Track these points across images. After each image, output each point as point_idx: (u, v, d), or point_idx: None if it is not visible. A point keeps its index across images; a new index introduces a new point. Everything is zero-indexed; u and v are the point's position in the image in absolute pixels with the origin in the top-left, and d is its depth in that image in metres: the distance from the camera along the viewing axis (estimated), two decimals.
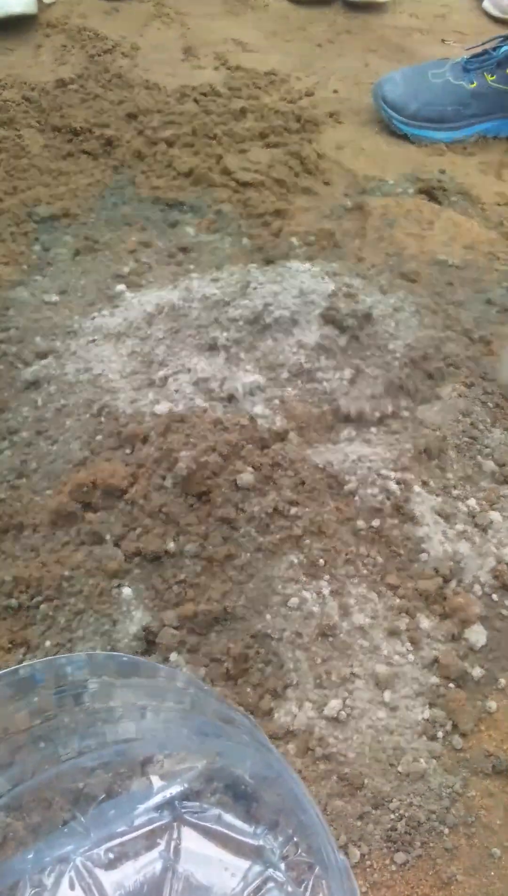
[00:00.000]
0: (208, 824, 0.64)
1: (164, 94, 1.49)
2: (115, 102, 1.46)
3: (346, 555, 0.76)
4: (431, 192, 1.33)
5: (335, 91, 1.53)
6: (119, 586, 0.75)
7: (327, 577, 0.75)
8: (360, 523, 0.80)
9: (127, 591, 0.74)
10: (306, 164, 1.36)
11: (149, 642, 0.73)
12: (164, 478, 0.80)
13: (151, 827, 0.64)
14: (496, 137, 1.43)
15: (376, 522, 0.80)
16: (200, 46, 1.65)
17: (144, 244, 1.19)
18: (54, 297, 1.09)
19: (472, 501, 0.86)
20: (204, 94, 1.48)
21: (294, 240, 1.21)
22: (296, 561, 0.75)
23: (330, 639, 0.73)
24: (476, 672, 0.75)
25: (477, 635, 0.77)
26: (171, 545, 0.75)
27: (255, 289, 0.99)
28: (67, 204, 1.27)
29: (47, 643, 0.74)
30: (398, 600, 0.77)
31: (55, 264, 1.17)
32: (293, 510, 0.78)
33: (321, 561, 0.75)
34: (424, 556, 0.80)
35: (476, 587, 0.81)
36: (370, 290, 1.05)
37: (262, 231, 1.23)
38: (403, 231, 1.24)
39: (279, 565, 0.75)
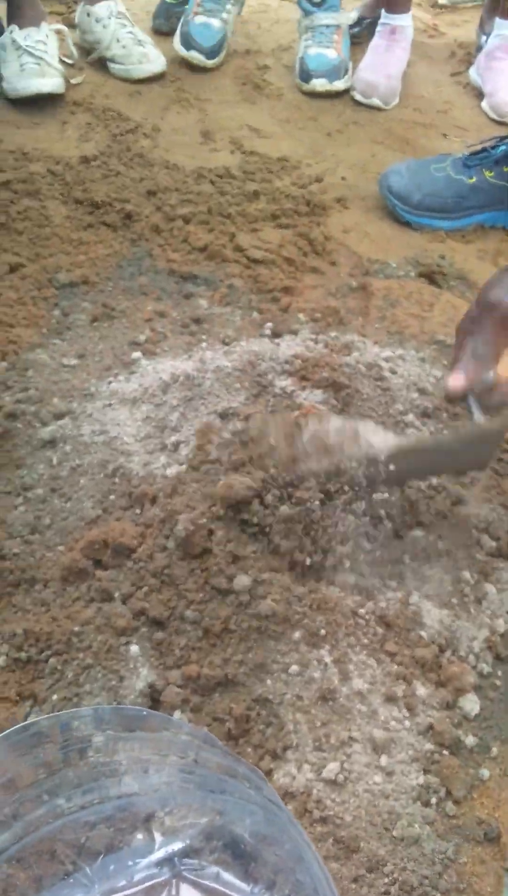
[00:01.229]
0: (206, 882, 0.65)
1: (182, 173, 1.56)
2: (135, 179, 1.53)
3: (346, 627, 0.79)
4: (431, 276, 1.39)
5: (343, 178, 1.62)
6: (127, 643, 0.77)
7: (327, 646, 0.77)
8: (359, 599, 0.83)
9: (134, 648, 0.76)
10: (315, 246, 1.43)
11: (154, 699, 0.75)
12: (167, 538, 0.83)
13: (151, 883, 0.64)
14: (493, 227, 1.50)
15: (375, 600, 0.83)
16: (217, 131, 1.74)
17: (159, 314, 1.24)
18: (73, 361, 1.13)
19: (467, 574, 0.88)
20: (220, 176, 1.56)
21: (301, 315, 1.27)
22: (297, 636, 0.77)
23: (330, 703, 0.75)
24: (470, 740, 0.77)
25: (471, 704, 0.79)
26: (173, 610, 0.77)
27: (263, 361, 1.03)
28: (87, 272, 1.32)
29: (54, 696, 0.75)
30: (395, 667, 0.79)
31: (74, 329, 1.22)
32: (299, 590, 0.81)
33: (323, 631, 0.77)
34: (421, 626, 0.82)
35: (471, 657, 0.83)
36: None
37: (271, 306, 1.28)
38: (404, 311, 1.30)
39: (280, 639, 0.77)
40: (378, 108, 1.86)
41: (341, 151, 1.72)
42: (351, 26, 2.08)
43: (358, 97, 1.87)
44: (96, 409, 1.03)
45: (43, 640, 0.78)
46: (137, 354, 1.13)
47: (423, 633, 0.82)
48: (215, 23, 1.86)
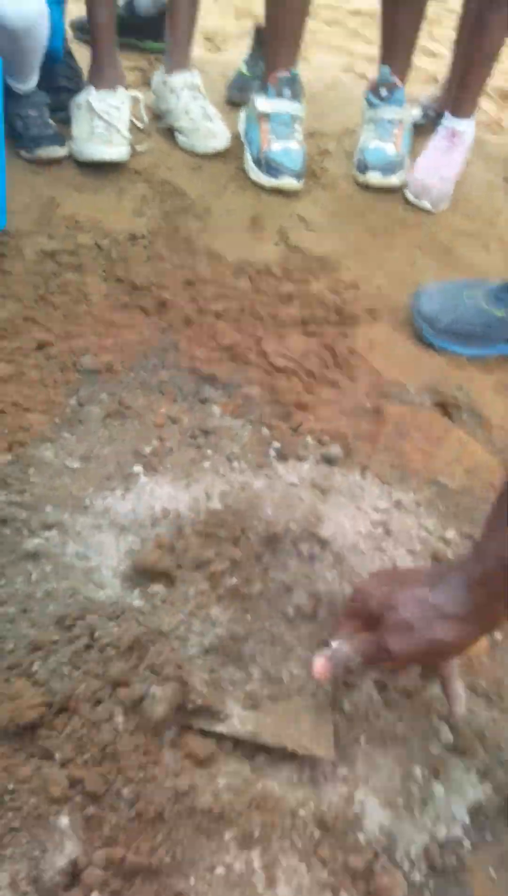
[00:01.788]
0: None
1: (223, 265, 1.51)
2: (176, 266, 1.48)
3: (282, 830, 0.73)
4: (445, 407, 1.32)
5: (379, 287, 1.55)
6: (57, 814, 0.72)
7: (259, 848, 0.72)
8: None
9: (64, 821, 0.72)
10: (337, 359, 1.37)
11: (73, 876, 0.70)
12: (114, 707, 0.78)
13: None
14: None
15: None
16: (267, 217, 1.68)
17: (171, 419, 1.20)
18: (75, 464, 1.09)
19: (418, 770, 0.83)
20: (259, 273, 1.50)
21: (309, 438, 1.21)
22: (229, 836, 0.72)
23: None
24: None
25: None
26: (110, 785, 0.73)
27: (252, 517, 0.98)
28: (112, 358, 1.28)
29: None
30: (325, 875, 0.73)
31: (85, 423, 1.18)
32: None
33: (257, 833, 0.72)
34: (359, 829, 0.77)
35: (406, 863, 0.77)
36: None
37: (282, 423, 1.23)
38: (412, 445, 1.24)
39: (212, 836, 0.72)
40: (427, 211, 1.78)
41: (382, 254, 1.65)
42: (416, 121, 2.01)
43: (410, 197, 1.80)
44: (86, 526, 0.98)
45: None
46: (138, 468, 1.09)
47: (360, 837, 0.76)
48: (294, 145, 1.77)
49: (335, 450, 1.16)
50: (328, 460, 1.15)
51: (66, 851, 0.71)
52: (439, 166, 1.80)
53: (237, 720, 0.79)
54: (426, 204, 1.77)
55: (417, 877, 0.77)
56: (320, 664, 0.77)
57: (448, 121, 1.83)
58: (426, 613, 0.70)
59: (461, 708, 0.80)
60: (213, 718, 0.78)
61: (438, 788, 0.82)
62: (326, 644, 0.80)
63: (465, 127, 1.82)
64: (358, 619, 0.77)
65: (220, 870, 0.71)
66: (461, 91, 1.78)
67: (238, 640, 0.85)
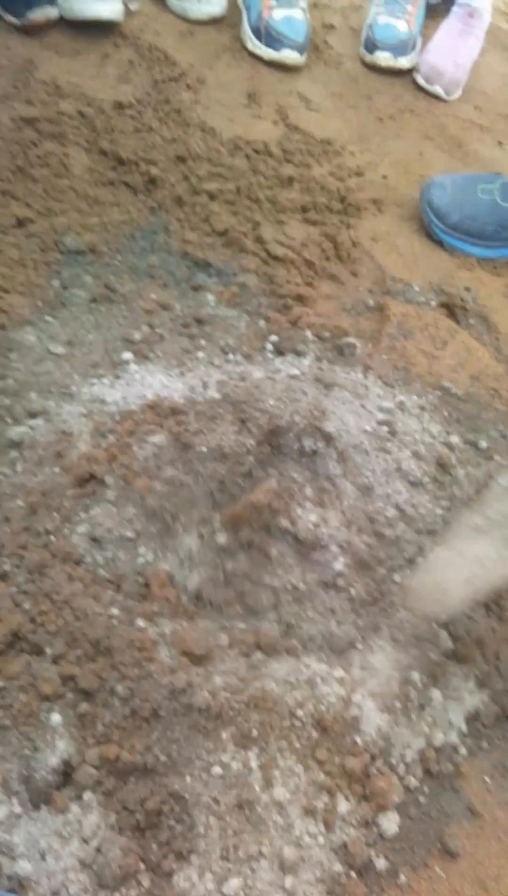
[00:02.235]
0: None
1: (217, 141, 1.40)
2: (167, 139, 1.37)
3: (280, 730, 0.71)
4: (452, 309, 1.26)
5: (384, 177, 1.45)
6: (49, 711, 0.69)
7: (256, 749, 0.70)
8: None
9: (56, 717, 0.69)
10: (339, 250, 1.29)
11: (66, 775, 0.68)
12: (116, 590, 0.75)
13: None
14: None
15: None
16: (264, 93, 1.56)
17: (162, 305, 1.12)
18: (60, 349, 1.02)
19: (416, 675, 0.81)
20: (257, 152, 1.39)
21: (309, 333, 1.15)
22: (227, 735, 0.70)
23: (246, 812, 0.68)
24: (380, 863, 0.71)
25: (390, 823, 0.73)
26: (103, 682, 0.70)
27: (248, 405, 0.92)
28: (96, 239, 1.19)
29: None
30: (322, 776, 0.72)
31: (69, 307, 1.10)
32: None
33: (255, 732, 0.70)
34: (357, 732, 0.75)
35: (401, 767, 0.77)
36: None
37: (280, 316, 1.16)
38: (416, 346, 1.18)
39: (209, 735, 0.70)
40: (438, 98, 1.67)
41: (388, 142, 1.54)
42: None
43: (420, 81, 1.68)
44: (73, 415, 0.92)
45: None
46: (127, 355, 1.02)
47: (358, 739, 0.75)
48: (297, 13, 1.61)
49: (348, 341, 1.10)
50: (340, 350, 1.09)
51: (58, 750, 0.68)
52: (453, 49, 1.67)
53: None
54: (438, 90, 1.65)
55: (412, 781, 0.77)
56: None
57: None
58: None
59: None
60: None
61: (436, 694, 0.81)
62: None
63: (482, 4, 1.69)
64: None
65: (216, 769, 0.69)
66: None
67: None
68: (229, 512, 0.82)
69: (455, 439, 1.05)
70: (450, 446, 1.04)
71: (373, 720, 0.77)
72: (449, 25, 1.70)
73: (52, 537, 0.80)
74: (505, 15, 2.03)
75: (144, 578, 0.78)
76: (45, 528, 0.81)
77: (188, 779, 0.68)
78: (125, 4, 1.58)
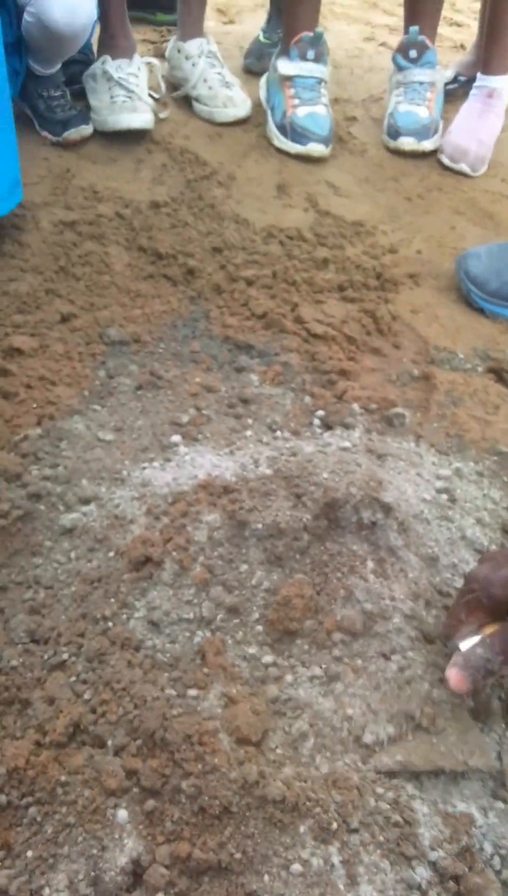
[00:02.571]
0: None
1: (251, 231, 1.45)
2: (203, 233, 1.43)
3: (362, 816, 0.67)
4: (500, 374, 1.26)
5: (419, 251, 1.49)
6: (115, 807, 0.66)
7: (337, 843, 0.66)
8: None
9: (122, 813, 0.66)
10: (379, 324, 1.31)
11: (136, 876, 0.64)
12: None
13: None
14: None
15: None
16: (293, 184, 1.63)
17: (206, 388, 1.14)
18: (109, 436, 1.03)
19: (493, 752, 0.76)
20: (290, 238, 1.44)
21: (356, 406, 1.15)
22: (304, 828, 0.66)
23: None
24: None
25: None
26: (166, 779, 0.67)
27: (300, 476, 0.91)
28: (139, 329, 1.22)
29: (29, 853, 0.65)
30: (410, 873, 0.67)
31: (116, 395, 1.12)
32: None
33: (334, 825, 0.66)
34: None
35: (496, 860, 0.71)
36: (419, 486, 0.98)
37: (325, 391, 1.16)
38: (467, 412, 1.17)
39: (286, 830, 0.65)
40: (465, 175, 1.72)
41: (419, 220, 1.59)
42: (446, 83, 1.95)
43: (445, 161, 1.74)
44: (124, 499, 0.92)
45: (27, 784, 0.68)
46: (176, 438, 1.02)
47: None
48: (320, 109, 1.71)
49: (397, 411, 1.10)
50: (389, 421, 1.09)
51: (126, 848, 0.64)
52: (475, 128, 1.74)
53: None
54: (465, 167, 1.71)
55: None
56: (454, 675, 0.69)
57: (482, 80, 1.77)
58: None
59: None
60: None
61: None
62: (454, 649, 0.73)
63: (500, 84, 1.76)
64: (480, 611, 0.70)
65: (296, 866, 0.64)
66: (492, 47, 1.73)
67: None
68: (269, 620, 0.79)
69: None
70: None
71: (463, 807, 0.71)
72: (469, 106, 1.77)
73: (109, 623, 0.79)
74: None
75: (200, 649, 0.76)
76: (103, 615, 0.80)
77: (266, 878, 0.64)
78: (155, 113, 1.68)
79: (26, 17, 1.42)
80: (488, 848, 0.70)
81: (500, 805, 0.73)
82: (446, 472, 1.02)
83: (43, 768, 0.68)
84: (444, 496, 0.97)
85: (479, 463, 1.09)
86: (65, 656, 0.77)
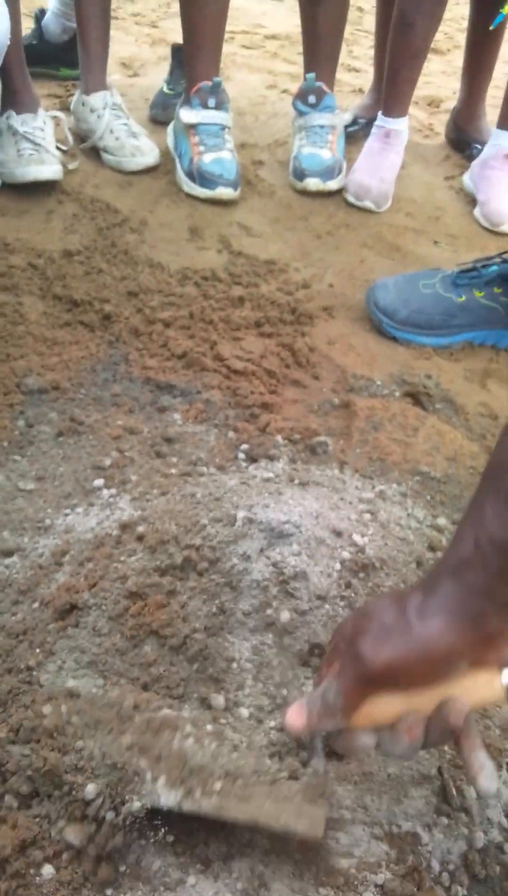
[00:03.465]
0: None
1: (166, 274, 1.48)
2: (117, 278, 1.44)
3: None
4: (416, 397, 1.30)
5: (331, 285, 1.53)
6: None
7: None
8: None
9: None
10: (298, 357, 1.33)
11: None
12: None
13: None
14: (482, 345, 1.42)
15: None
16: (206, 227, 1.66)
17: (129, 430, 1.14)
18: (30, 485, 1.02)
19: (446, 774, 0.76)
20: (205, 279, 1.47)
21: (279, 437, 1.16)
22: None
23: None
24: None
25: None
26: None
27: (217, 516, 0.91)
28: (58, 377, 1.22)
29: None
30: None
31: (36, 444, 1.11)
32: None
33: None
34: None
35: (445, 877, 0.71)
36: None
37: (248, 425, 1.18)
38: (388, 436, 1.20)
39: None
40: (370, 211, 1.79)
41: (329, 255, 1.64)
42: (347, 126, 2.03)
43: (351, 199, 1.80)
44: (48, 547, 0.91)
45: None
46: (99, 482, 1.02)
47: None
48: (226, 154, 1.76)
49: (320, 440, 1.12)
50: (313, 450, 1.11)
51: None
52: (377, 166, 1.81)
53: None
54: (369, 204, 1.77)
55: (459, 890, 0.71)
56: (292, 712, 0.63)
57: (382, 121, 1.85)
58: (406, 613, 0.58)
59: (488, 782, 0.60)
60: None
61: (469, 792, 0.76)
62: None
63: (399, 126, 1.84)
64: (338, 661, 0.63)
65: None
66: (391, 90, 1.81)
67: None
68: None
69: (441, 521, 1.04)
70: (438, 528, 1.03)
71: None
72: (370, 146, 1.85)
73: (34, 673, 0.77)
74: (420, 132, 2.22)
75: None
76: (27, 665, 0.78)
77: None
78: (63, 164, 1.70)
79: None
80: (435, 865, 0.70)
81: (444, 820, 0.73)
82: (369, 494, 1.04)
83: None
84: (367, 516, 0.99)
85: (402, 484, 1.11)
86: None
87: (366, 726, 0.61)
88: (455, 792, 0.76)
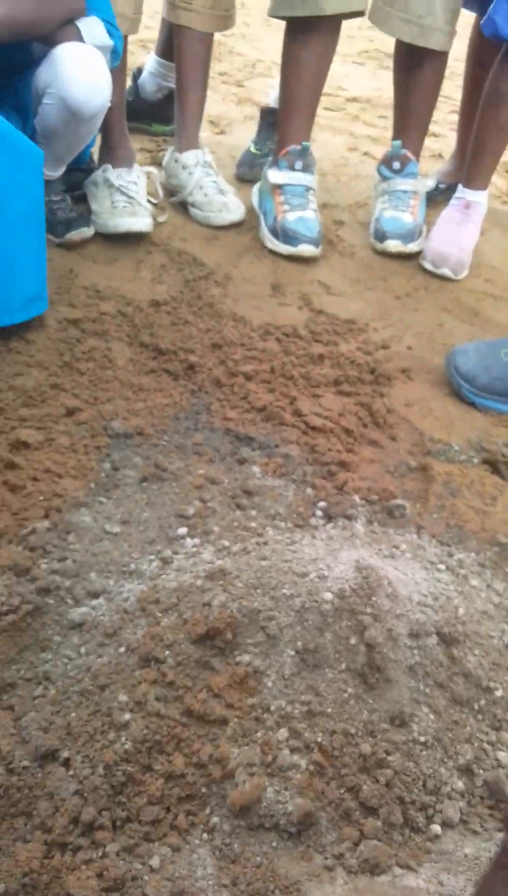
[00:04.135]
0: None
1: (249, 328, 1.52)
2: (202, 330, 1.48)
3: None
4: (495, 465, 1.30)
5: (409, 347, 1.55)
6: None
7: None
8: None
9: None
10: (375, 417, 1.35)
11: None
12: None
13: None
14: None
15: None
16: (287, 284, 1.71)
17: (210, 480, 1.16)
18: (116, 528, 1.05)
19: None
20: (286, 335, 1.50)
21: (356, 497, 1.18)
22: None
23: None
24: None
25: None
26: None
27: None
28: (143, 423, 1.26)
29: None
30: None
31: (122, 487, 1.14)
32: None
33: None
34: None
35: None
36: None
37: (326, 483, 1.20)
38: (465, 503, 1.20)
39: None
40: (449, 278, 1.82)
41: (408, 317, 1.67)
42: (427, 191, 2.08)
43: (428, 266, 1.83)
44: (133, 592, 0.93)
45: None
46: (182, 530, 1.04)
47: None
48: (310, 214, 1.82)
49: (397, 503, 1.13)
50: (390, 512, 1.12)
51: None
52: (455, 236, 1.84)
53: None
54: (447, 271, 1.80)
55: None
56: None
57: (462, 192, 1.88)
58: None
59: None
60: None
61: None
62: None
63: (479, 198, 1.87)
64: None
65: None
66: (474, 163, 1.84)
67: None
68: None
69: None
70: None
71: None
72: (449, 216, 1.88)
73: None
74: (500, 198, 2.25)
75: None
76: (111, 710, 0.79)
77: None
78: (153, 217, 1.77)
79: (45, 101, 1.48)
80: None
81: None
82: (450, 562, 1.04)
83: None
84: (452, 588, 0.99)
85: (480, 553, 1.11)
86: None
87: None
88: None
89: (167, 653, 0.83)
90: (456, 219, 1.87)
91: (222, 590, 0.88)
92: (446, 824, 0.79)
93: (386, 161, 1.93)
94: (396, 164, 1.91)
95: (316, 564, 0.91)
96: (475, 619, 0.94)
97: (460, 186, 1.88)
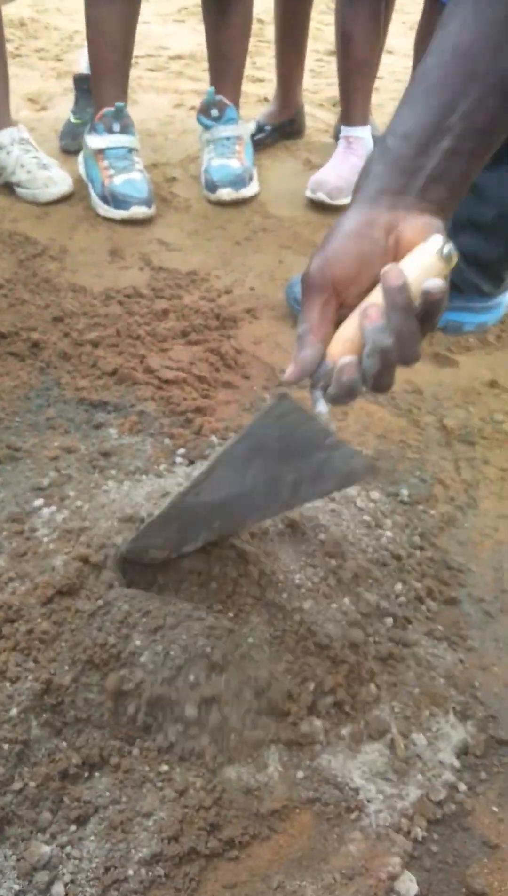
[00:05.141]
0: None
1: (90, 296, 1.52)
2: (42, 306, 1.48)
3: None
4: None
5: (252, 288, 1.59)
6: None
7: None
8: None
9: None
10: (226, 360, 1.38)
11: None
12: None
13: None
14: None
15: None
16: (125, 248, 1.71)
17: (66, 450, 1.17)
18: None
19: (392, 727, 0.81)
20: (128, 296, 1.51)
21: (214, 437, 1.21)
22: None
23: None
24: None
25: (408, 885, 0.70)
26: None
27: None
28: None
29: None
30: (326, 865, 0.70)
31: None
32: None
33: None
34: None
35: (404, 823, 0.75)
36: None
37: (183, 430, 1.22)
38: None
39: None
40: (323, 204, 1.86)
41: (249, 259, 1.69)
42: (254, 134, 2.10)
43: (307, 194, 1.88)
44: None
45: None
46: (38, 502, 1.05)
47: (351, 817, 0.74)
48: (136, 175, 1.81)
49: None
50: None
51: None
52: (336, 166, 1.90)
53: None
54: (323, 196, 1.85)
55: (419, 833, 0.75)
56: (286, 373, 0.72)
57: (345, 131, 1.94)
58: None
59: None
60: None
61: (419, 739, 0.81)
62: None
63: (359, 133, 1.93)
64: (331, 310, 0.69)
65: None
66: (346, 103, 1.93)
67: None
68: None
69: (375, 494, 1.10)
70: (373, 501, 1.08)
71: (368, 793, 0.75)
72: (335, 153, 1.94)
73: None
74: None
75: None
76: None
77: None
78: None
79: None
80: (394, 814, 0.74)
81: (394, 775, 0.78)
82: None
83: None
84: None
85: None
86: None
87: (342, 352, 0.69)
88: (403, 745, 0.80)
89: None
90: (340, 153, 1.93)
91: (72, 548, 0.90)
92: None
93: (204, 110, 1.94)
94: (214, 112, 1.93)
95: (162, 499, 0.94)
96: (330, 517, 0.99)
97: (342, 126, 1.95)
